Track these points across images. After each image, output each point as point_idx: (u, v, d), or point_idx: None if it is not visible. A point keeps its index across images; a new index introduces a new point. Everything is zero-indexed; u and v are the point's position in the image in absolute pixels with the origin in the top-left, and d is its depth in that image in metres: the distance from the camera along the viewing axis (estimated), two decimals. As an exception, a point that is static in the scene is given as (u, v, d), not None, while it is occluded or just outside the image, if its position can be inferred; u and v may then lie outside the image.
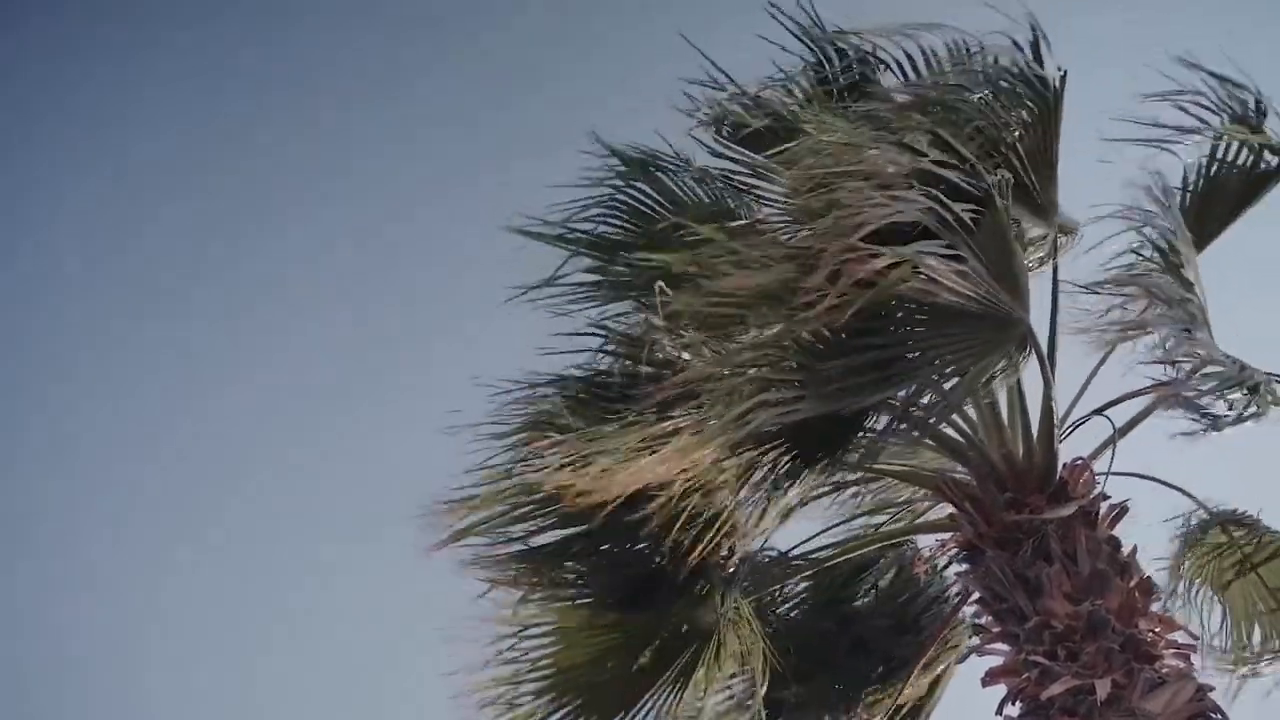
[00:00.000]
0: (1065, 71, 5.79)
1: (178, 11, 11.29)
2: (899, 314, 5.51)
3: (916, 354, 5.60)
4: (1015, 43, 5.87)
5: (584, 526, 6.16)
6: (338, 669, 11.45)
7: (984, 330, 5.34)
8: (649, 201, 6.33)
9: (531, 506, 6.19)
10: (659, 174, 6.36)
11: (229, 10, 11.32)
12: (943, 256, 5.12)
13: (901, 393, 5.81)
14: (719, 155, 6.37)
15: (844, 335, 5.36)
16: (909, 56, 6.35)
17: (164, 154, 11.39)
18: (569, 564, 6.34)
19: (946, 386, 5.83)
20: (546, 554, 6.31)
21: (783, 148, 5.51)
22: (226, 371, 11.92)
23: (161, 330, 11.78)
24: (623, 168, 6.31)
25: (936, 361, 5.54)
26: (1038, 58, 5.85)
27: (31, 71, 10.93)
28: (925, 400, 6.06)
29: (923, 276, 5.07)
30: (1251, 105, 6.38)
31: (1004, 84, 5.79)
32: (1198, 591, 6.90)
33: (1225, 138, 6.40)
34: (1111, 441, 6.06)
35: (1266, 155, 6.45)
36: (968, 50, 6.06)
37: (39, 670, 11.45)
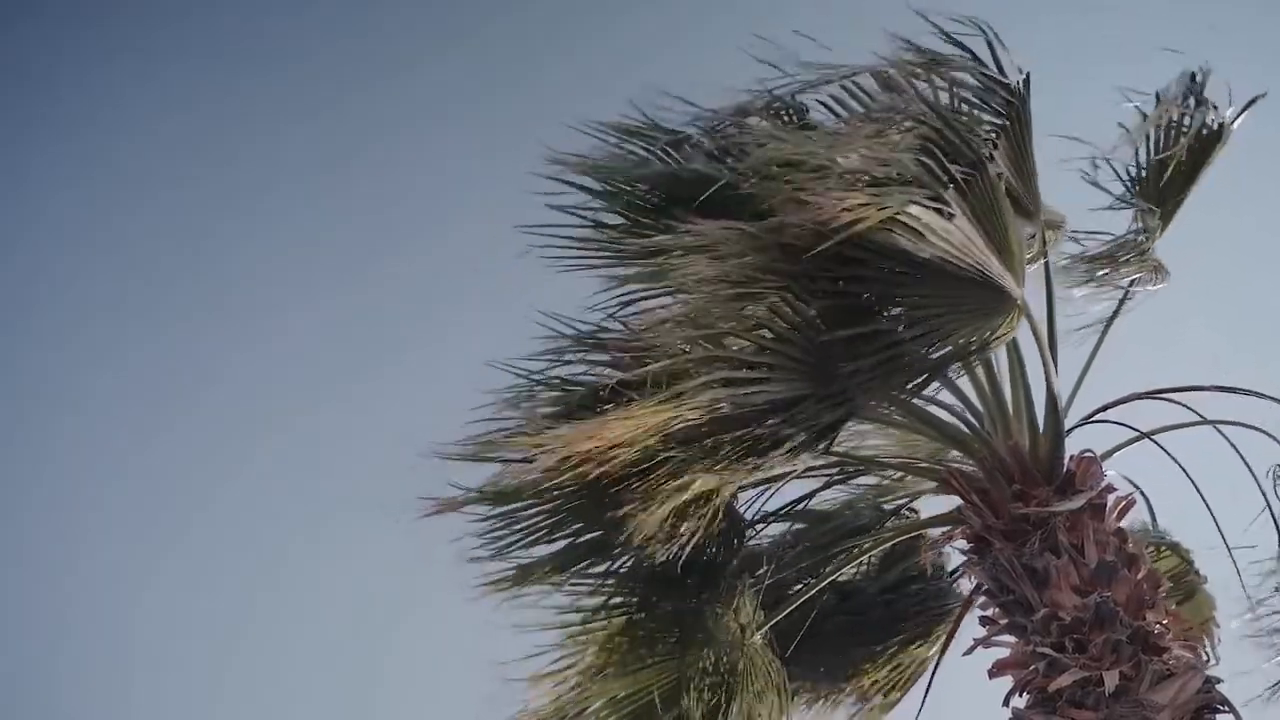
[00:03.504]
0: (1028, 74, 5.83)
1: (168, 6, 11.30)
2: (883, 269, 5.47)
3: (902, 314, 5.59)
4: (974, 55, 5.88)
5: (587, 527, 6.17)
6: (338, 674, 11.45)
7: (974, 295, 5.33)
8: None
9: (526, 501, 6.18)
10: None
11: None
12: (930, 208, 5.12)
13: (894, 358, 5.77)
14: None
15: (828, 298, 5.38)
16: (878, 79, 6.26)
17: (159, 143, 11.39)
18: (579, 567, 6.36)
19: (936, 354, 5.78)
20: (555, 560, 6.30)
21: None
22: (215, 369, 11.93)
23: (159, 323, 11.77)
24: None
25: (923, 324, 5.52)
26: (999, 66, 5.88)
27: (27, 70, 10.92)
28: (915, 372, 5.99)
29: (907, 226, 5.07)
30: (1189, 78, 6.67)
31: (971, 94, 5.83)
32: None
33: (1169, 109, 6.72)
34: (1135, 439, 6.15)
35: (1208, 119, 6.73)
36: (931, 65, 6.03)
37: (35, 670, 11.43)
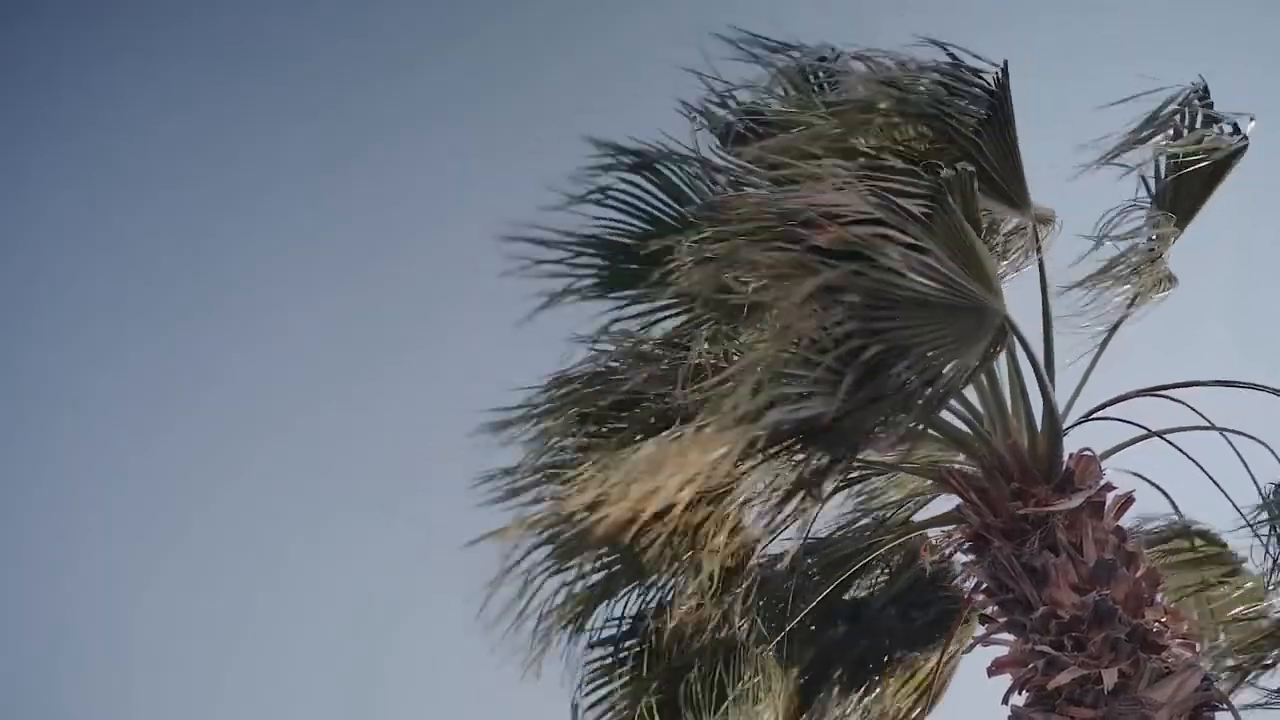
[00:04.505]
0: (1006, 63, 5.86)
1: (168, 6, 11.31)
2: (876, 308, 5.44)
3: (900, 348, 5.56)
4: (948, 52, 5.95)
5: (612, 560, 6.13)
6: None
7: (959, 322, 5.29)
8: (648, 196, 6.24)
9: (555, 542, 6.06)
10: (657, 168, 6.26)
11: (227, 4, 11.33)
12: (902, 246, 5.10)
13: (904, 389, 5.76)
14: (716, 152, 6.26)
15: (835, 330, 5.35)
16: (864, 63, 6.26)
17: (159, 143, 11.41)
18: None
19: (934, 380, 5.76)
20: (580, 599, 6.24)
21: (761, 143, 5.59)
22: (215, 369, 11.94)
23: (159, 323, 11.78)
24: (621, 161, 6.20)
25: (920, 356, 5.48)
26: (962, 65, 5.92)
27: (27, 70, 10.93)
28: (921, 394, 5.98)
29: (882, 267, 5.05)
30: (1200, 90, 6.74)
31: (948, 82, 5.87)
32: None
33: (1186, 120, 6.74)
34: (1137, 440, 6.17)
35: (1225, 131, 6.77)
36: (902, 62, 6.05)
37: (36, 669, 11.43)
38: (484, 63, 11.85)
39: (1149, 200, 6.85)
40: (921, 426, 6.24)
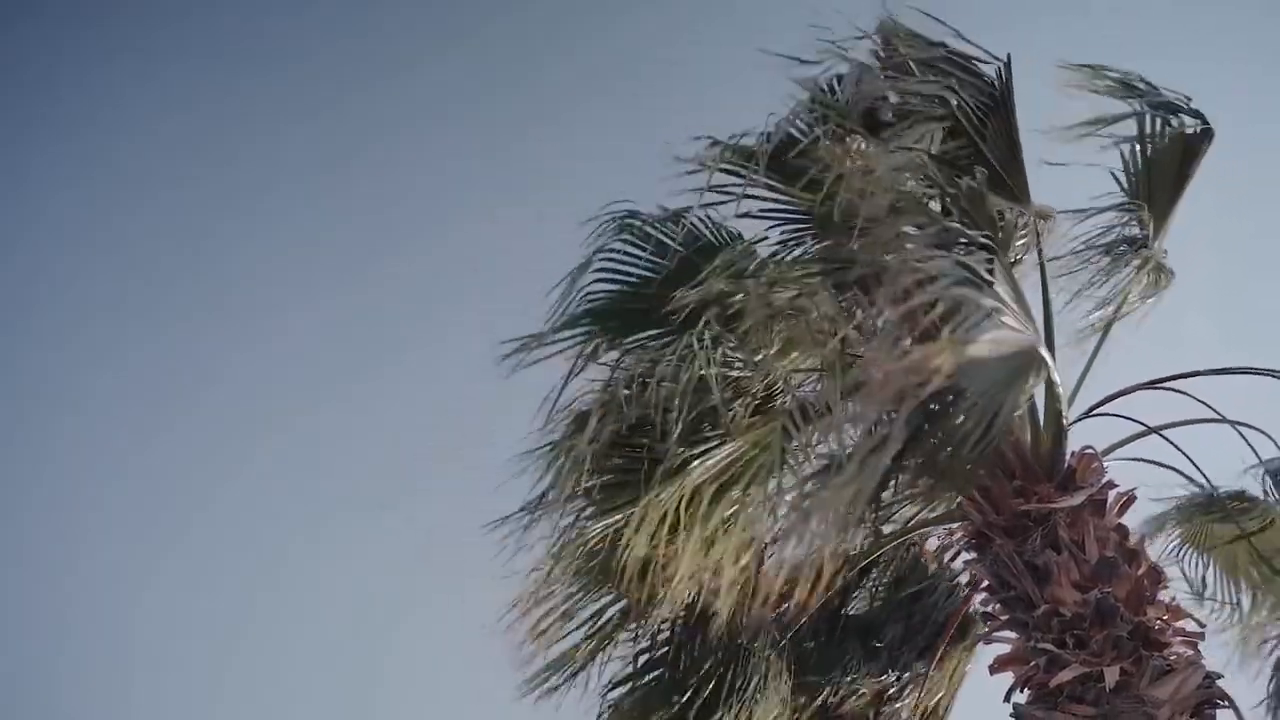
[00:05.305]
0: (1009, 56, 5.87)
1: (168, 6, 11.33)
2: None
3: (959, 391, 5.50)
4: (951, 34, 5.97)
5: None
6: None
7: (1008, 364, 5.14)
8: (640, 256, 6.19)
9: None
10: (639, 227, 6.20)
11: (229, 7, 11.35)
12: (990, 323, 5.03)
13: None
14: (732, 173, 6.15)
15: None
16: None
17: (159, 143, 11.42)
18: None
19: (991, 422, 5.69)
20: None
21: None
22: (215, 369, 11.96)
23: (159, 323, 11.79)
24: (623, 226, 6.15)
25: (976, 399, 5.40)
26: (971, 62, 5.94)
27: (27, 70, 10.94)
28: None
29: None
30: (1148, 87, 6.70)
31: (958, 81, 5.87)
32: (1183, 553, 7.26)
33: (1147, 115, 6.69)
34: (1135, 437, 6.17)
35: (1187, 121, 6.71)
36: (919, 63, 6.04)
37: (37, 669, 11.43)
38: (484, 63, 11.86)
39: (1123, 196, 6.84)
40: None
